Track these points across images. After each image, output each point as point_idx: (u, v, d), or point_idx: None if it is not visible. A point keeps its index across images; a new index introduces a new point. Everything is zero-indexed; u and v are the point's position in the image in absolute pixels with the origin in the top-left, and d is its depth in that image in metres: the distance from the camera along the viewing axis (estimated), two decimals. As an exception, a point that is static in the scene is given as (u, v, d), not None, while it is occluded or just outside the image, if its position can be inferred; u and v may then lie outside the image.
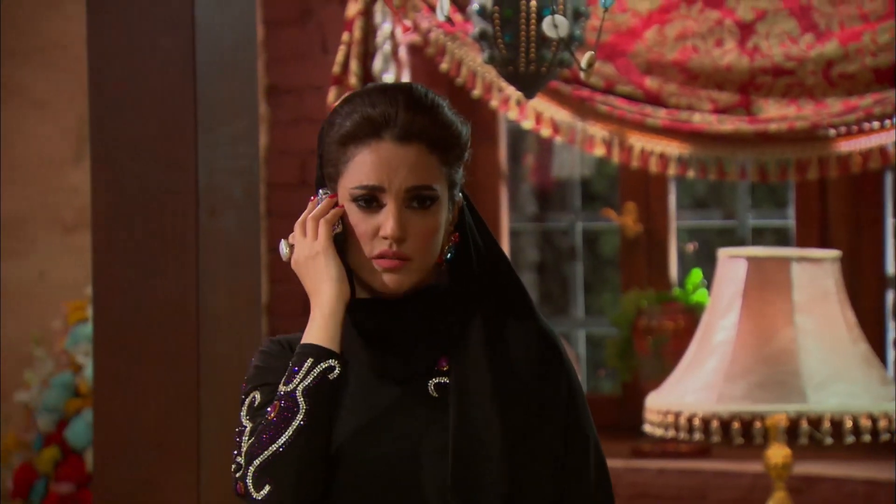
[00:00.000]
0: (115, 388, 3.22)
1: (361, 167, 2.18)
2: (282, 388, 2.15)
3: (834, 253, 3.87)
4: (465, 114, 5.62)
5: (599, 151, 4.40)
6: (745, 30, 4.17)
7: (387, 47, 4.58)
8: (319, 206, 2.22)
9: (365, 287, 2.23)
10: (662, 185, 4.91)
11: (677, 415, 3.56)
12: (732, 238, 5.11)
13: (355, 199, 2.19)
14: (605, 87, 4.30)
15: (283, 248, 2.24)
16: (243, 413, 2.20)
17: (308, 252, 2.21)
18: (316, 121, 4.75)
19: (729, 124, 4.19)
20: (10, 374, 4.88)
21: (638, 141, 4.33)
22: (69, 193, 5.01)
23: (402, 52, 4.64)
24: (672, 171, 4.35)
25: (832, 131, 4.17)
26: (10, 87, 4.92)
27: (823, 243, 4.59)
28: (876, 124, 4.13)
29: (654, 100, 4.25)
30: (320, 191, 2.25)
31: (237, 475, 2.14)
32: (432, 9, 4.39)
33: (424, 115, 2.20)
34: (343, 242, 2.21)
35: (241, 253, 3.29)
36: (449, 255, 2.22)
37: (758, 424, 3.54)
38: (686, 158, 4.29)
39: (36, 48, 4.87)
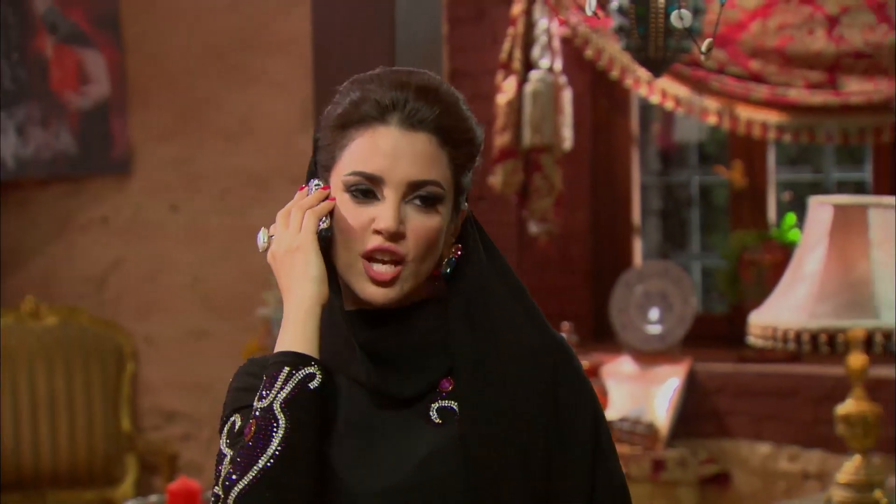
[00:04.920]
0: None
1: (359, 153, 1.53)
2: (257, 405, 1.48)
3: (903, 200, 3.81)
4: (604, 92, 5.53)
5: (712, 120, 4.37)
6: (832, 22, 4.10)
7: (543, 38, 4.58)
8: (309, 196, 1.57)
9: (351, 293, 1.57)
10: (763, 147, 4.86)
11: (775, 329, 3.54)
12: (820, 189, 5.05)
13: (349, 189, 1.53)
14: (718, 68, 4.27)
15: (262, 238, 1.58)
16: (223, 441, 1.54)
17: (288, 245, 1.53)
18: (488, 97, 4.77)
19: (818, 98, 4.13)
20: (254, 294, 5.00)
21: (744, 112, 4.29)
22: (298, 155, 5.10)
23: (556, 43, 4.64)
24: (771, 135, 4.31)
25: (903, 103, 4.10)
26: (254, 73, 5.03)
27: (895, 193, 4.51)
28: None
29: (757, 78, 4.21)
30: (312, 181, 1.59)
31: None
32: (581, 7, 4.39)
33: (437, 103, 1.52)
34: (328, 241, 1.55)
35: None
36: (448, 269, 1.57)
37: (840, 337, 3.50)
38: (783, 125, 4.25)
39: (274, 42, 4.97)
